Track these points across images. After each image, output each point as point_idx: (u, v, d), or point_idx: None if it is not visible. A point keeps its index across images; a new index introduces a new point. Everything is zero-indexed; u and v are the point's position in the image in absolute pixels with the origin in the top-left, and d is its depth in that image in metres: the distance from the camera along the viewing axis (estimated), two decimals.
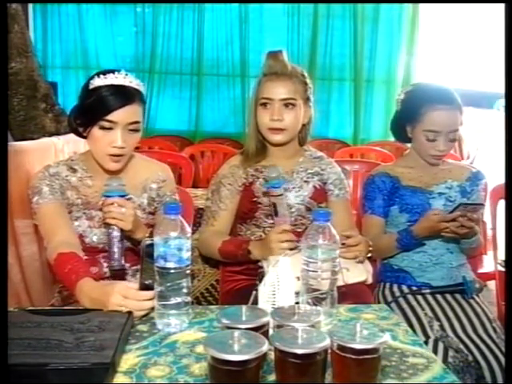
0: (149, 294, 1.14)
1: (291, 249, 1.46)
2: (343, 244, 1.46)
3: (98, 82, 1.41)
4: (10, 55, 2.08)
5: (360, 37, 4.60)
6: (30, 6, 4.29)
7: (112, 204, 1.37)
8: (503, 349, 1.52)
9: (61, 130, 2.24)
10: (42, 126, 2.23)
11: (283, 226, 1.52)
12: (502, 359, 1.49)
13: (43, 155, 1.93)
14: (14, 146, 1.83)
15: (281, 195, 1.56)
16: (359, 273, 1.51)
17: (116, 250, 1.39)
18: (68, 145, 2.11)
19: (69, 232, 1.43)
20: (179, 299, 1.11)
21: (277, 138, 1.69)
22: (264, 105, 1.67)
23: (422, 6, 4.58)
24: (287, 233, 1.49)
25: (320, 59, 4.64)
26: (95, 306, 1.15)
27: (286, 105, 1.66)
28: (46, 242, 1.42)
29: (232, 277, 1.75)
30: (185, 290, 1.11)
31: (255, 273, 1.59)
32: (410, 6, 4.60)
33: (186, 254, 1.11)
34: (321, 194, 1.76)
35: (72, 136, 1.55)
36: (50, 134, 2.22)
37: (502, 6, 1.63)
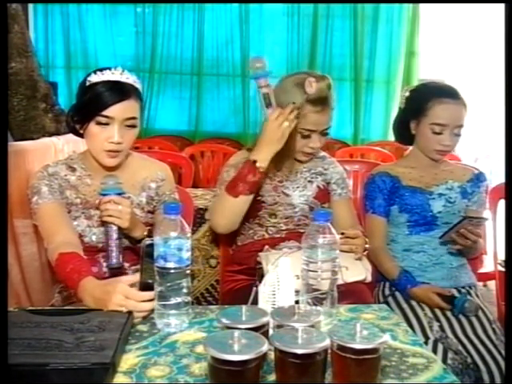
0: (149, 294, 1.14)
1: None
2: (342, 234, 1.47)
3: (94, 78, 1.41)
4: (10, 55, 2.08)
5: (360, 37, 4.61)
6: (31, 6, 4.29)
7: (109, 202, 1.37)
8: (502, 351, 1.52)
9: (61, 130, 2.24)
10: (41, 125, 2.23)
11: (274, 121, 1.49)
12: (501, 362, 1.49)
13: (43, 155, 1.92)
14: (14, 145, 1.82)
15: (268, 85, 1.50)
16: (358, 271, 1.51)
17: (114, 248, 1.39)
18: (68, 145, 2.10)
19: (69, 232, 1.42)
20: (179, 299, 1.11)
21: (307, 159, 1.74)
22: (304, 133, 1.66)
23: (422, 5, 4.58)
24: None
25: (320, 59, 4.64)
26: (98, 305, 1.15)
27: (323, 132, 1.68)
28: (47, 243, 1.41)
29: (232, 277, 1.75)
30: (185, 290, 1.11)
31: (255, 273, 1.59)
32: (409, 5, 4.60)
33: (186, 254, 1.11)
34: (324, 194, 1.77)
35: (72, 136, 1.54)
36: (50, 134, 2.21)
37: (502, 6, 1.63)
